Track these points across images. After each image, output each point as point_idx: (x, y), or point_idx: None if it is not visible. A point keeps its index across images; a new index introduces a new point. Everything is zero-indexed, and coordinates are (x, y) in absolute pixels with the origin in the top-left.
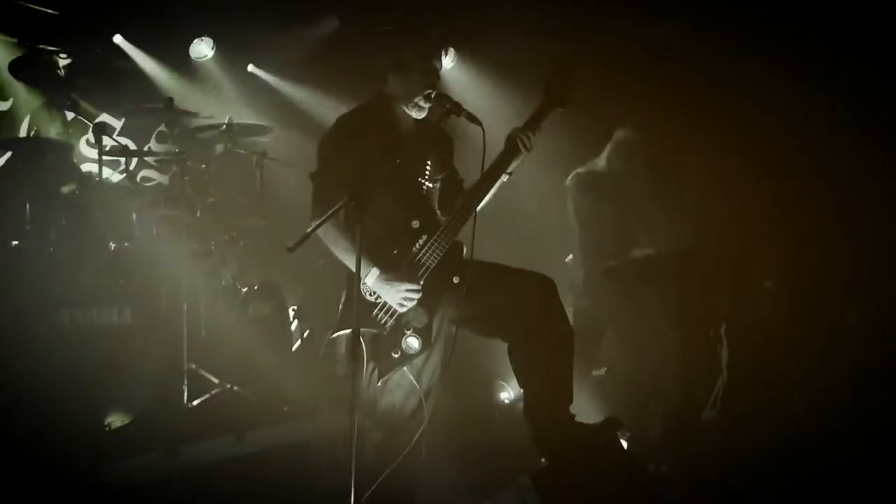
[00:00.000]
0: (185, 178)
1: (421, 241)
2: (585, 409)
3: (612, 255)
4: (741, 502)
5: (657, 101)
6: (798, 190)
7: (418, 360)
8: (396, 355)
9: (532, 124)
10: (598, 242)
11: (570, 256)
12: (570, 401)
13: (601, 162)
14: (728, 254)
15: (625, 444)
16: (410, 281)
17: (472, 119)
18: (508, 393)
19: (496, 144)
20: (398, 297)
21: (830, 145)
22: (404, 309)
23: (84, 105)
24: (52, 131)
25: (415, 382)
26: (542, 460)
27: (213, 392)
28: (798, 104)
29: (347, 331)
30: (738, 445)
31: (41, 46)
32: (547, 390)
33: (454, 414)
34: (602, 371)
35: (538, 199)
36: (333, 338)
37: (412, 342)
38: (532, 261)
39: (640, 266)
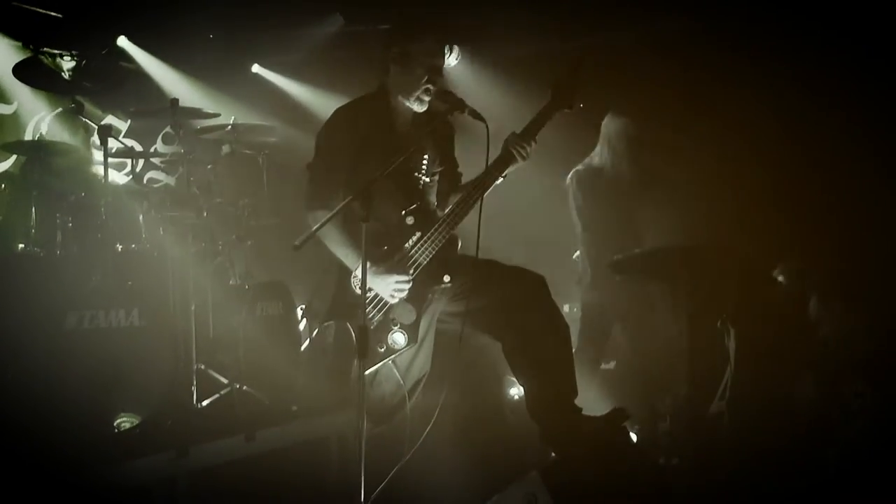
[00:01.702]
0: (192, 179)
1: (414, 238)
2: (594, 402)
3: (616, 250)
4: (751, 493)
5: (660, 97)
6: (802, 181)
7: (406, 356)
8: (381, 350)
9: (530, 132)
10: (601, 238)
11: (577, 253)
12: (575, 394)
13: (596, 156)
14: (734, 245)
15: (634, 437)
16: (400, 272)
17: (476, 115)
18: (518, 388)
19: (500, 141)
20: (389, 288)
21: (832, 137)
22: (395, 300)
23: (89, 107)
24: (57, 134)
25: (399, 379)
26: (552, 454)
27: (222, 392)
28: (800, 98)
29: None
30: (747, 436)
31: (45, 49)
32: (549, 386)
33: (463, 410)
34: (611, 364)
35: (546, 195)
36: (323, 328)
37: (398, 338)
38: (539, 258)
39: (646, 259)
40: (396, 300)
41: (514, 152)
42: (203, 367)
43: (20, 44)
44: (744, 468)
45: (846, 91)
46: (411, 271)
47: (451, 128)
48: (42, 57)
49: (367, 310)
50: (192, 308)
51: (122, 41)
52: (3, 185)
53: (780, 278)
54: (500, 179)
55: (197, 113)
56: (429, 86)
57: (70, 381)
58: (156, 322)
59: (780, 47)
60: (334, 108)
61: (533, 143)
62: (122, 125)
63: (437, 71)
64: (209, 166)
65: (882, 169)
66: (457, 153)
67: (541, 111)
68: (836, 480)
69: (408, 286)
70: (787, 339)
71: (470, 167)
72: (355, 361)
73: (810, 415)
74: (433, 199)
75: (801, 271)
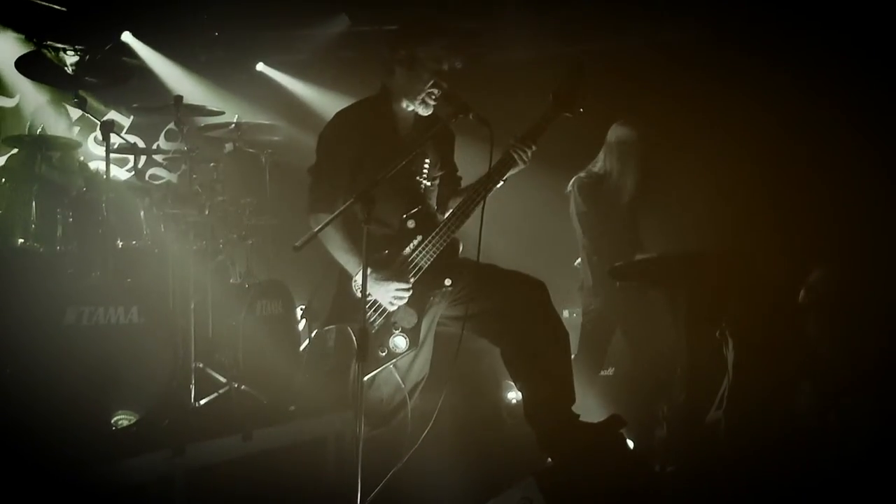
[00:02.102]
0: (194, 177)
1: (415, 242)
2: (593, 408)
3: (617, 257)
4: (747, 503)
5: (661, 103)
6: (802, 190)
7: (405, 359)
8: (383, 353)
9: (531, 136)
10: (602, 245)
11: (579, 260)
12: (572, 400)
13: (598, 164)
14: (735, 254)
15: (631, 444)
16: (401, 280)
17: (481, 119)
18: (516, 393)
19: (502, 146)
20: (388, 295)
21: (839, 145)
22: (394, 307)
23: (92, 102)
24: (60, 128)
25: (400, 381)
26: (548, 459)
27: (220, 391)
28: (802, 106)
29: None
30: (744, 446)
31: (49, 43)
32: (547, 392)
33: (461, 413)
34: (610, 371)
35: (547, 201)
36: (323, 332)
37: (399, 342)
38: (541, 263)
39: (647, 266)
40: (395, 308)
41: (516, 156)
42: (201, 365)
43: (23, 37)
44: (740, 477)
45: (855, 99)
46: (412, 275)
47: (451, 131)
48: (45, 51)
49: (368, 313)
50: (192, 306)
51: (127, 37)
52: (3, 179)
53: (801, 294)
54: (501, 183)
55: (200, 110)
56: (434, 90)
57: (68, 377)
58: (155, 320)
59: (783, 54)
60: (338, 109)
61: (533, 148)
62: (125, 121)
63: (442, 75)
64: (212, 164)
65: (888, 180)
66: (456, 157)
67: (542, 116)
68: (833, 490)
69: (407, 294)
70: (786, 348)
71: (467, 170)
72: (354, 364)
73: (808, 424)
74: (434, 202)
75: (803, 280)
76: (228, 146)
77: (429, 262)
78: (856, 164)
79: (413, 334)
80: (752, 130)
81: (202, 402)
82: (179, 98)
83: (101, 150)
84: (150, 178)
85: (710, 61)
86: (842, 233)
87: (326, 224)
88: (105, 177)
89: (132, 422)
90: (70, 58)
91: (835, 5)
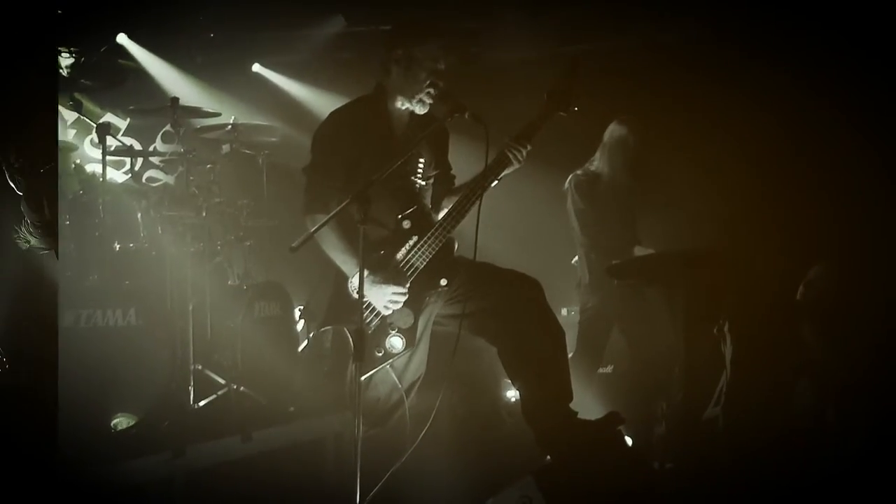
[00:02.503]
0: (191, 179)
1: (411, 242)
2: (591, 406)
3: (614, 255)
4: (745, 499)
5: (661, 103)
6: (800, 186)
7: (402, 359)
8: (379, 354)
9: (526, 135)
10: (600, 243)
11: (576, 258)
12: (570, 398)
13: (595, 162)
14: (733, 251)
15: (629, 442)
16: (397, 283)
17: (477, 119)
18: (515, 391)
19: (499, 145)
20: (384, 299)
21: (836, 144)
22: (389, 312)
23: (88, 105)
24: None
25: (397, 381)
26: (547, 458)
27: (219, 393)
28: (802, 106)
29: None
30: (742, 443)
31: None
32: (545, 390)
33: (460, 412)
34: (608, 369)
35: (544, 199)
36: (320, 333)
37: (395, 342)
38: (537, 262)
39: (644, 264)
40: (390, 311)
41: (510, 156)
42: (200, 367)
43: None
44: (738, 474)
45: (855, 99)
46: (408, 275)
47: (445, 130)
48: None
49: (365, 314)
50: (190, 308)
51: (122, 38)
52: None
53: (799, 290)
54: (495, 182)
55: (197, 112)
56: (430, 89)
57: (67, 379)
58: (153, 322)
59: (783, 54)
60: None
61: (528, 147)
62: (122, 123)
63: (439, 74)
64: (208, 166)
65: (888, 180)
66: (451, 156)
67: (536, 115)
68: (831, 488)
69: (403, 298)
70: (784, 345)
71: (463, 169)
72: (351, 364)
73: (806, 421)
74: (429, 202)
75: (801, 278)
76: (225, 147)
77: (424, 262)
78: (856, 164)
79: (409, 334)
80: (751, 130)
81: (201, 403)
82: (176, 100)
83: (97, 153)
84: (146, 180)
85: (710, 61)
86: (841, 233)
87: (322, 225)
88: (102, 179)
89: (131, 424)
90: (65, 60)
91: (835, 5)
